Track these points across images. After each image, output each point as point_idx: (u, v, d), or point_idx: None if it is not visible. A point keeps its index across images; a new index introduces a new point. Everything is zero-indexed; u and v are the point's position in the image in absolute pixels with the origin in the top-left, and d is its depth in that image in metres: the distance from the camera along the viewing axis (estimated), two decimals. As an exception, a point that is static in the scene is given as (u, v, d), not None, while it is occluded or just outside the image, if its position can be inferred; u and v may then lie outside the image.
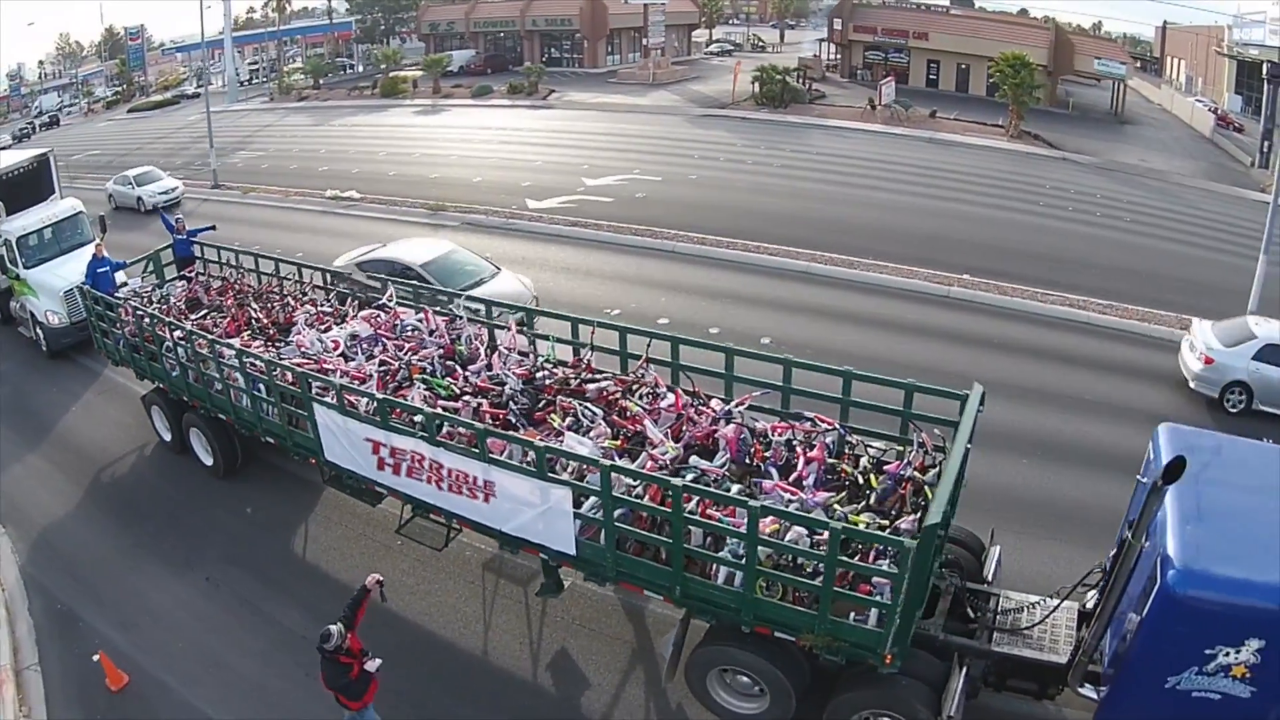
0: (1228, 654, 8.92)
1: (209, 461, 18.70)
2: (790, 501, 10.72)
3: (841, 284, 26.75)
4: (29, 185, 28.26)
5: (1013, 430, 18.02)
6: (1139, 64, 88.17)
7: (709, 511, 10.63)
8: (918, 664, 10.59)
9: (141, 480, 19.51)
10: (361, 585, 11.16)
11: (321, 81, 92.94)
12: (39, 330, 26.09)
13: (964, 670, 10.64)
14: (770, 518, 10.20)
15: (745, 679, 11.44)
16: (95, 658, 13.92)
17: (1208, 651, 8.97)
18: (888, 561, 9.82)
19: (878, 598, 9.74)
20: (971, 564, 12.50)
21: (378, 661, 10.92)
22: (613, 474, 10.78)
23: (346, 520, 16.69)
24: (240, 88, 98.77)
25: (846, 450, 12.11)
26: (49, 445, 21.38)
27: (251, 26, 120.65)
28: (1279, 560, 8.94)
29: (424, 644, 13.71)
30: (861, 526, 10.15)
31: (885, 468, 11.58)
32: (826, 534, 9.60)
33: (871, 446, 12.21)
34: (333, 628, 10.50)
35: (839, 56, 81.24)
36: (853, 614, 10.00)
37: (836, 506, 10.74)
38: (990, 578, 12.16)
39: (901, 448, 12.15)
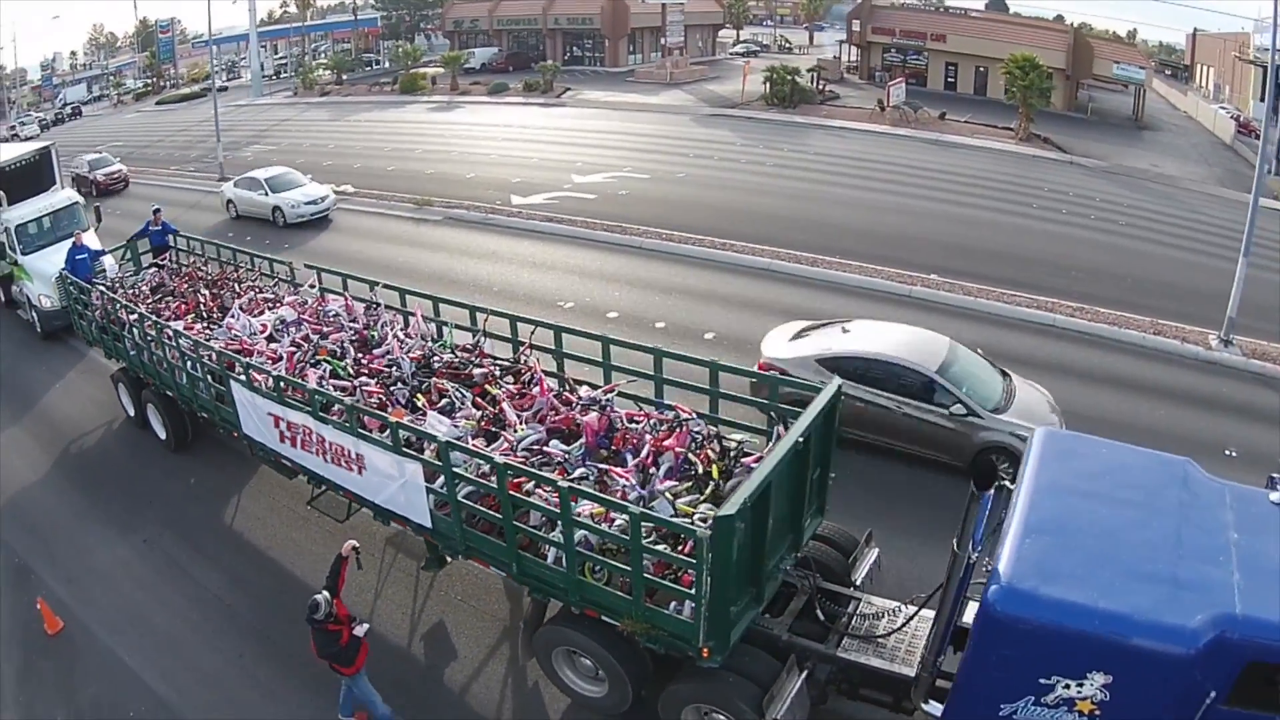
0: (1068, 686, 8.16)
1: (163, 435, 20.32)
2: (626, 486, 11.10)
3: (800, 281, 27.25)
4: (30, 176, 30.38)
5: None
6: (1169, 71, 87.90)
7: (538, 490, 11.22)
8: (751, 662, 10.55)
9: (105, 451, 21.25)
10: (338, 554, 11.72)
11: (345, 77, 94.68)
12: (34, 313, 28.09)
13: (804, 674, 10.55)
14: (594, 503, 10.70)
15: (587, 662, 11.72)
16: (36, 605, 15.64)
17: (1043, 681, 8.25)
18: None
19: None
20: (840, 564, 12.31)
21: (365, 626, 11.63)
22: (465, 454, 11.76)
23: (273, 492, 18.05)
24: (265, 82, 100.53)
25: (705, 442, 12.12)
26: (29, 418, 23.24)
27: (283, 21, 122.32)
28: (1133, 584, 8.17)
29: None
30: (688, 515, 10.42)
31: (744, 460, 11.72)
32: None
33: (731, 439, 12.36)
34: (319, 597, 10.96)
35: (858, 58, 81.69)
36: (673, 603, 10.19)
37: (676, 495, 11.00)
38: (859, 581, 12.04)
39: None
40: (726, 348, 21.91)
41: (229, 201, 39.57)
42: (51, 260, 25.63)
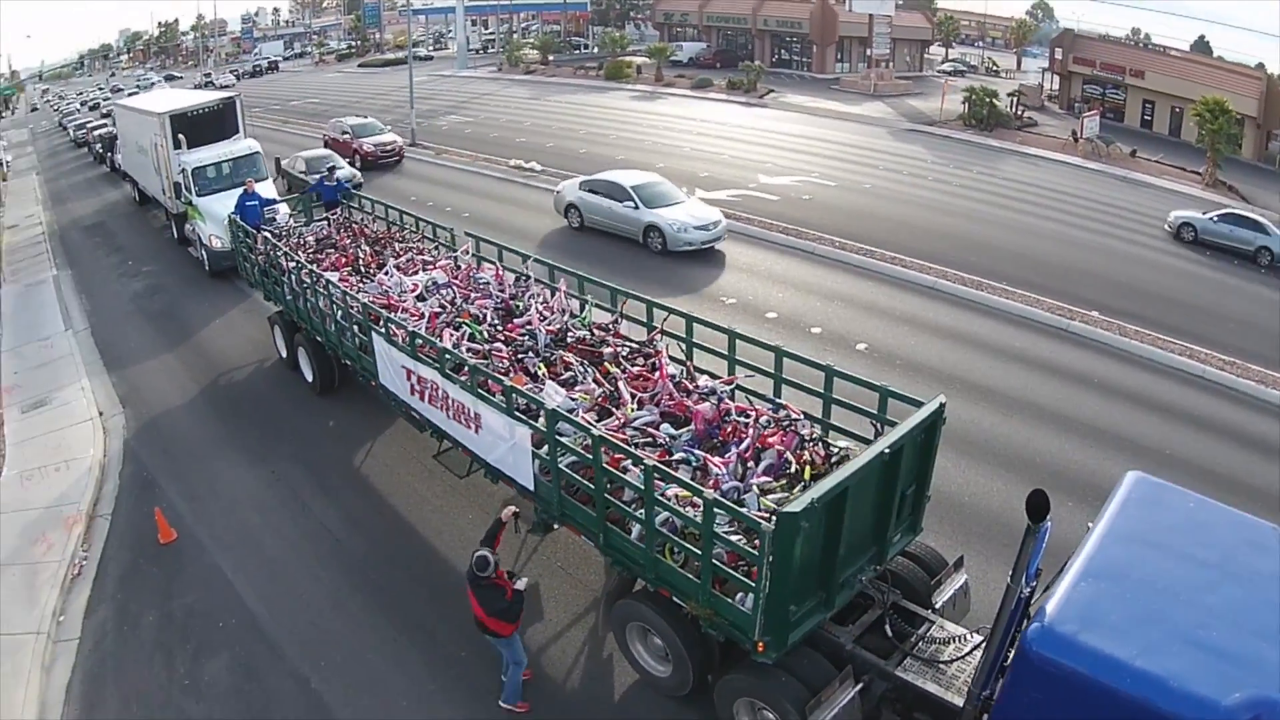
0: None
1: (310, 378, 21.53)
2: (720, 476, 11.30)
3: (961, 303, 26.73)
4: (213, 123, 32.80)
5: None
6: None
7: (633, 469, 11.36)
8: (807, 664, 10.61)
9: (252, 387, 22.64)
10: (496, 518, 12.16)
11: (551, 58, 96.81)
12: (204, 252, 30.23)
13: (858, 686, 10.51)
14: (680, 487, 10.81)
15: (658, 641, 11.96)
16: (154, 515, 16.99)
17: None
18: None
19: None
20: (923, 585, 12.20)
21: (525, 580, 11.81)
22: (570, 424, 12.15)
23: (404, 443, 18.89)
24: (471, 56, 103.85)
25: (809, 445, 12.15)
26: (185, 347, 25.06)
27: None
28: (1178, 647, 7.72)
29: (424, 555, 15.67)
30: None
31: (842, 466, 11.28)
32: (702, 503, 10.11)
33: (836, 445, 12.42)
34: (487, 554, 11.18)
35: (1059, 87, 79.63)
36: (740, 594, 10.27)
37: (767, 492, 11.06)
38: (939, 605, 11.87)
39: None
40: (876, 360, 21.89)
41: (570, 206, 32.87)
42: (225, 204, 27.23)
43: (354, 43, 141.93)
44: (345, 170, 34.58)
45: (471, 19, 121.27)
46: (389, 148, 46.04)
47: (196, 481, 18.54)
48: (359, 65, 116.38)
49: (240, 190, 25.31)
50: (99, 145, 61.41)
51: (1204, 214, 39.12)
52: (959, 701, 9.91)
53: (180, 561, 16.18)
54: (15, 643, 14.33)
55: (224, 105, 33.76)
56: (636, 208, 30.44)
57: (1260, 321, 28.39)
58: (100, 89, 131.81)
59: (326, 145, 45.98)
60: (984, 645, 9.35)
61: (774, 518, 9.49)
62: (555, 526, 13.61)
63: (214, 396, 22.26)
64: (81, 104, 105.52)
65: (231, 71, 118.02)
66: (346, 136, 46.49)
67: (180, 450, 19.85)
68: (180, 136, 31.77)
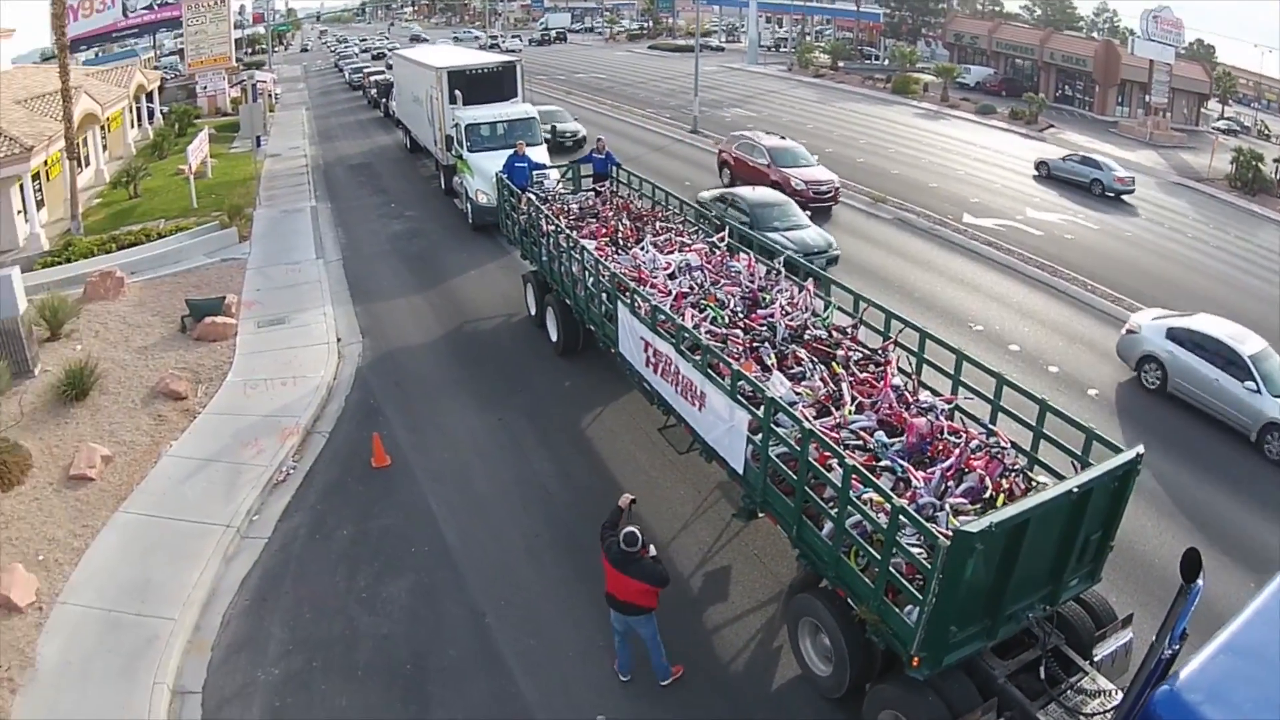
0: None
1: (554, 339, 23.84)
2: (918, 489, 12.24)
3: None
4: (491, 84, 37.09)
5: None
6: None
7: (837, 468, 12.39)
8: (956, 689, 11.31)
9: (495, 338, 25.32)
10: (616, 504, 13.77)
11: (840, 64, 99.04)
12: (469, 205, 33.75)
13: (999, 719, 11.37)
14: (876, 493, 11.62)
15: (826, 641, 12.95)
16: (372, 439, 19.43)
17: None
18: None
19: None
20: (1087, 635, 12.78)
21: (651, 547, 13.08)
22: (786, 416, 13.44)
23: (633, 412, 20.79)
24: (761, 52, 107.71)
25: (1010, 474, 12.80)
26: (436, 292, 28.17)
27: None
28: None
29: (630, 522, 17.18)
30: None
31: None
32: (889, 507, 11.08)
33: (1039, 479, 12.97)
34: (634, 530, 12.64)
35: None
36: (908, 607, 11.05)
37: (960, 513, 11.84)
38: (1098, 657, 12.45)
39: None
40: (1108, 409, 22.47)
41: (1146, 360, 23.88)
42: (494, 162, 29.97)
43: (646, 24, 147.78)
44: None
45: (765, 15, 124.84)
46: (824, 188, 37.05)
47: (421, 416, 21.09)
48: (649, 47, 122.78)
49: (511, 151, 28.10)
50: (374, 90, 67.52)
51: None
52: None
53: (388, 486, 18.56)
54: (203, 530, 16.89)
55: (504, 68, 37.78)
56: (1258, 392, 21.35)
57: None
58: (385, 37, 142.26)
59: (723, 165, 41.41)
60: (1120, 701, 10.13)
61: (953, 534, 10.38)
62: (759, 515, 14.95)
63: (455, 341, 25.02)
64: (363, 50, 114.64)
65: (514, 36, 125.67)
66: (762, 163, 38.27)
67: (411, 385, 22.57)
68: (457, 92, 35.86)
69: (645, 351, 17.51)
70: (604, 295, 19.63)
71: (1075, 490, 11.25)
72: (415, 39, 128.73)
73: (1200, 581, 8.93)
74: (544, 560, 16.30)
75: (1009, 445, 13.51)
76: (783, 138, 41.57)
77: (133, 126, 61.86)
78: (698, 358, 15.54)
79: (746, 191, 32.14)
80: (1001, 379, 14.51)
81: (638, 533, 12.63)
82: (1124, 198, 48.53)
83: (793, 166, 37.55)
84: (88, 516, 17.21)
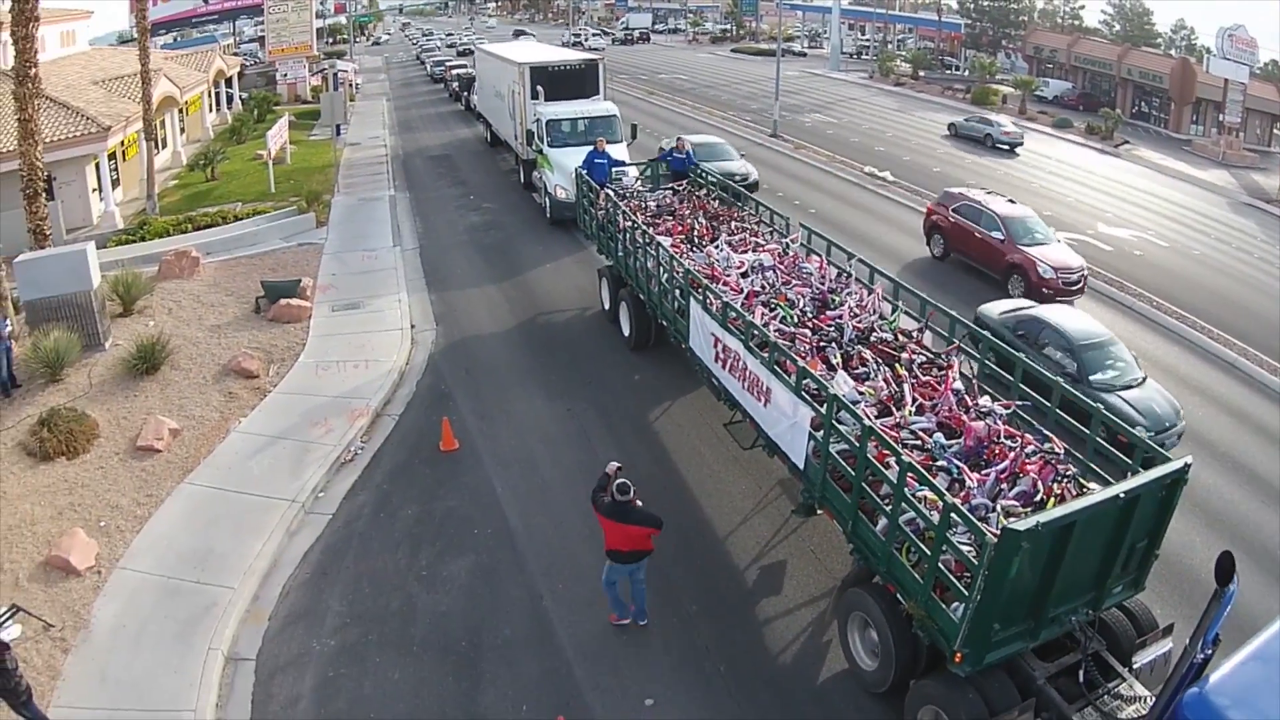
0: None
1: (627, 333, 24.48)
2: (972, 489, 12.56)
3: (1256, 385, 25.88)
4: (573, 81, 37.89)
5: None
6: None
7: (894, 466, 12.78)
8: (996, 688, 11.68)
9: (568, 330, 25.94)
10: (604, 471, 14.28)
11: (921, 73, 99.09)
12: (547, 199, 34.49)
13: None
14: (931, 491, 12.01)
15: (874, 636, 13.34)
16: (440, 423, 20.08)
17: None
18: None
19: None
20: (1128, 642, 12.94)
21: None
22: (849, 414, 13.81)
23: (701, 407, 21.23)
24: (843, 59, 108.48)
25: (1063, 481, 12.99)
26: (511, 283, 28.89)
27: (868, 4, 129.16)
28: None
29: (688, 511, 17.72)
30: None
31: None
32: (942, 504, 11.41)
33: (1091, 486, 13.12)
34: (626, 481, 13.62)
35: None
36: (955, 604, 11.47)
37: (1011, 515, 12.06)
38: (1137, 665, 12.59)
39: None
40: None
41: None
42: (574, 158, 30.43)
43: (729, 27, 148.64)
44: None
45: (848, 22, 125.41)
46: (1073, 277, 28.98)
47: (491, 403, 21.72)
48: (731, 50, 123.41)
49: (590, 148, 28.59)
50: (455, 84, 68.70)
51: None
52: None
53: (455, 470, 19.19)
54: (268, 504, 17.59)
55: (586, 66, 38.57)
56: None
57: None
58: (469, 31, 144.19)
59: (933, 231, 33.25)
60: (1154, 702, 10.36)
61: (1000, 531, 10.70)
62: (817, 511, 15.36)
63: (529, 332, 25.67)
64: (448, 45, 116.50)
65: (595, 34, 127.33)
66: (996, 237, 30.12)
67: (483, 373, 23.24)
68: (539, 88, 36.56)
69: (715, 347, 17.97)
70: (677, 291, 20.08)
71: (1123, 495, 11.55)
72: (518, 34, 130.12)
73: (1234, 586, 9.18)
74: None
75: (1063, 451, 13.72)
76: (1012, 201, 32.74)
77: (211, 111, 63.74)
78: (765, 355, 15.96)
79: (1061, 319, 22.67)
80: (1060, 386, 14.79)
81: (628, 483, 13.55)
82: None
83: (1032, 244, 29.50)
84: (152, 486, 17.97)
